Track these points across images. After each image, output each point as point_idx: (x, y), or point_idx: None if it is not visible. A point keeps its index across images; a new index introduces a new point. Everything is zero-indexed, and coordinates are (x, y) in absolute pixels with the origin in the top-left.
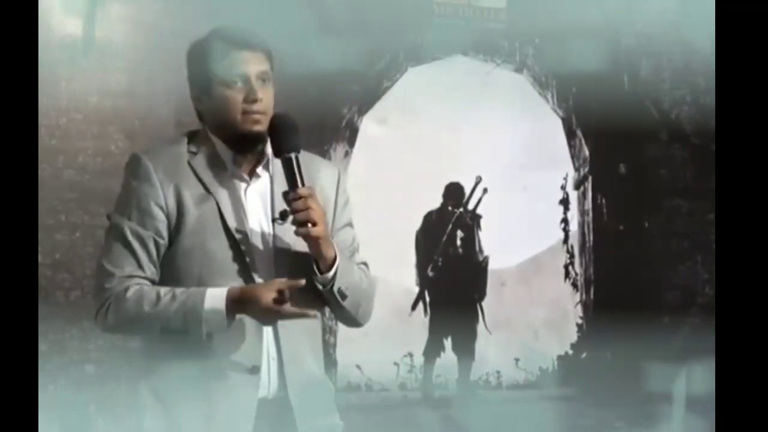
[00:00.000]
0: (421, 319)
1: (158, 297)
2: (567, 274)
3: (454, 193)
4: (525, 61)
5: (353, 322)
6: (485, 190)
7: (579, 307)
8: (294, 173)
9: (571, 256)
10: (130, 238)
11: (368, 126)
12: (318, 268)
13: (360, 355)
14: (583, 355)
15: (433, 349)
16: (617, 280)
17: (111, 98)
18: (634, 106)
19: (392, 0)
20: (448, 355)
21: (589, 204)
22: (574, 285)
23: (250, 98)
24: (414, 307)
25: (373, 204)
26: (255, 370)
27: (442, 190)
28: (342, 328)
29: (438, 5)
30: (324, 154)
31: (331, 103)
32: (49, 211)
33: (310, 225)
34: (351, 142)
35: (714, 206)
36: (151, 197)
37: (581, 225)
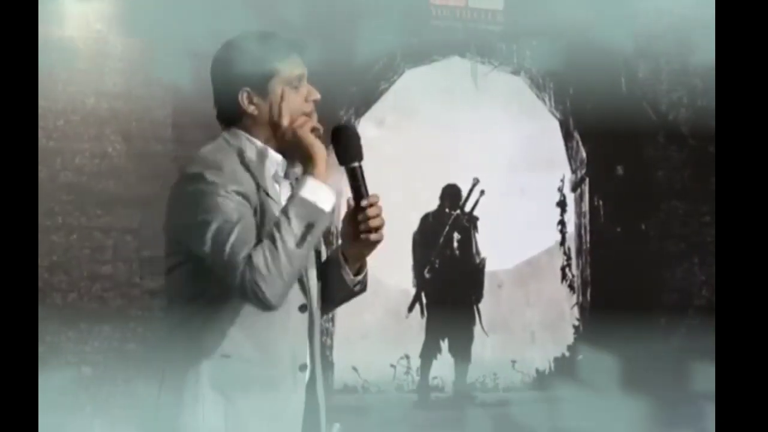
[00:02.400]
0: (417, 321)
1: (273, 237)
2: (564, 276)
3: (451, 195)
4: (522, 63)
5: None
6: (482, 192)
7: (576, 308)
8: (359, 182)
9: (568, 257)
10: (243, 224)
11: (365, 127)
12: (349, 268)
13: (357, 357)
14: (580, 356)
15: (429, 351)
16: (614, 282)
17: (107, 100)
18: (632, 108)
19: (389, 2)
20: (445, 357)
21: (586, 206)
22: (571, 287)
23: (311, 97)
24: (411, 308)
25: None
26: (303, 367)
27: (439, 192)
28: (339, 331)
29: (435, 7)
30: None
31: (329, 104)
32: (46, 213)
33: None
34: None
35: (712, 208)
36: (230, 190)
37: (578, 227)
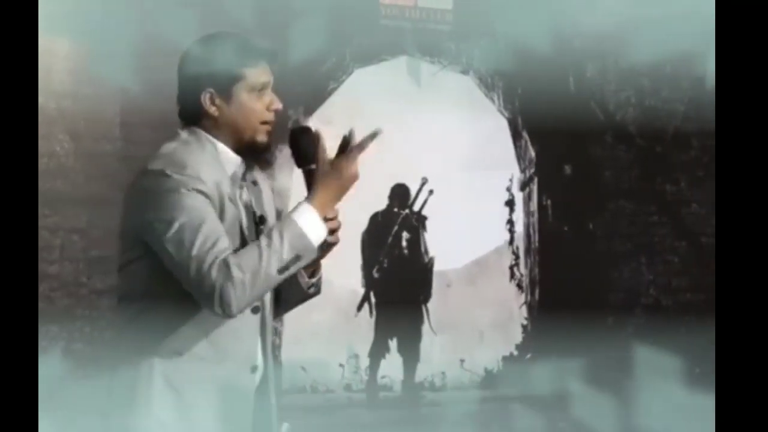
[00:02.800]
0: (366, 320)
1: (260, 252)
2: (512, 275)
3: (399, 194)
4: (471, 63)
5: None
6: (431, 192)
7: (524, 308)
8: None
9: (517, 257)
10: (208, 225)
11: (314, 127)
12: (303, 271)
13: (305, 357)
14: (528, 355)
15: (378, 351)
16: (562, 281)
17: (55, 99)
18: (580, 108)
19: (338, 1)
20: (394, 357)
21: (534, 205)
22: (520, 286)
23: (273, 107)
24: (359, 308)
25: None
26: (254, 369)
27: (388, 192)
28: (288, 330)
29: (384, 6)
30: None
31: None
32: None
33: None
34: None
35: (659, 207)
36: (195, 189)
37: (527, 226)
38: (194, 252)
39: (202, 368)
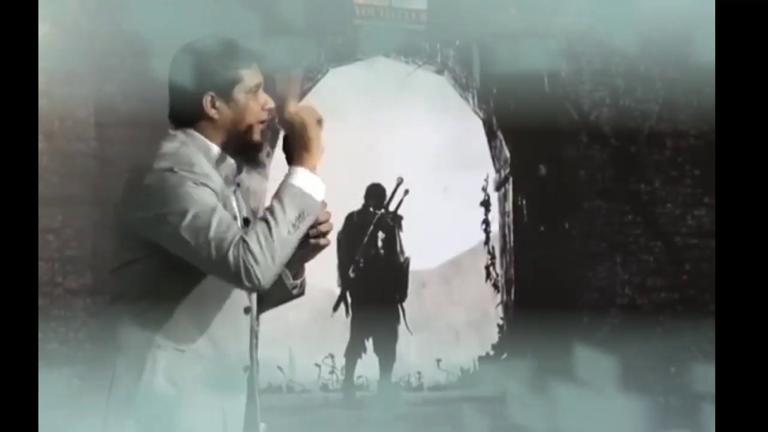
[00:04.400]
0: (342, 320)
1: (267, 221)
2: (488, 275)
3: (375, 194)
4: (446, 63)
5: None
6: (406, 192)
7: (500, 307)
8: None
9: (492, 257)
10: (219, 211)
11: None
12: (289, 272)
13: (282, 357)
14: (504, 355)
15: (354, 350)
16: (538, 281)
17: None
18: (554, 108)
19: (313, 1)
20: (370, 356)
21: (509, 205)
22: (495, 286)
23: (268, 106)
24: (335, 308)
25: None
26: (246, 369)
27: (363, 191)
28: (264, 330)
29: (359, 7)
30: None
31: None
32: None
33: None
34: (272, 142)
35: (633, 207)
36: (209, 183)
37: (502, 226)
38: (211, 234)
39: (202, 365)
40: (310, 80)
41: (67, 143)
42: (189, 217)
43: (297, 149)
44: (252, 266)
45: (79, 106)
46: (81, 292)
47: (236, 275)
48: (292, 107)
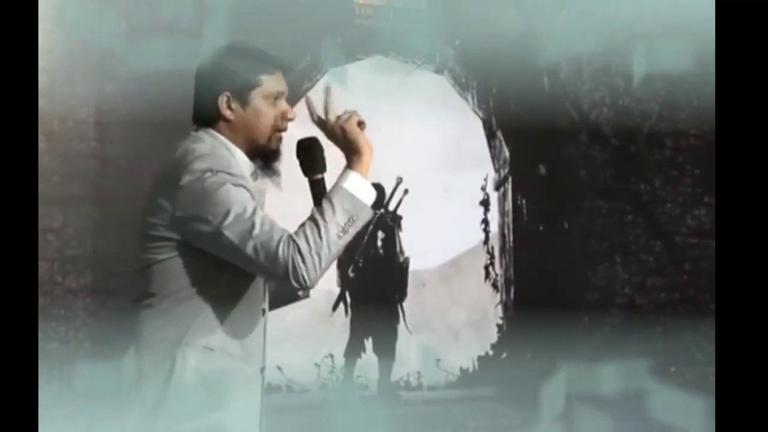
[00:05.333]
0: (342, 319)
1: (317, 222)
2: (487, 275)
3: None
4: (445, 62)
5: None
6: (406, 191)
7: (499, 307)
8: (323, 192)
9: (492, 256)
10: (255, 207)
11: (289, 127)
12: None
13: (281, 357)
14: (504, 355)
15: (353, 350)
16: (537, 281)
17: None
18: (554, 108)
19: (312, 0)
20: (369, 356)
21: (509, 205)
22: (495, 285)
23: (288, 116)
24: (335, 307)
25: (294, 205)
26: (263, 369)
27: None
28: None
29: (358, 6)
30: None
31: None
32: None
33: None
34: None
35: (634, 207)
36: (246, 184)
37: (501, 226)
38: (256, 232)
39: (231, 364)
40: (309, 80)
41: (67, 143)
42: (231, 217)
43: (349, 154)
44: (300, 266)
45: (79, 106)
46: (81, 291)
47: (284, 273)
48: (333, 115)
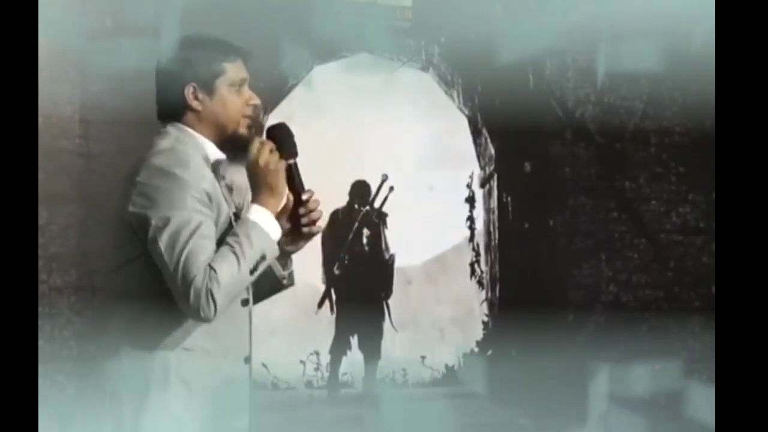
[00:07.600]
0: (327, 317)
1: (235, 255)
2: (473, 272)
3: (360, 191)
4: (431, 60)
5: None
6: (391, 189)
7: (485, 304)
8: (297, 178)
9: (477, 254)
10: (202, 229)
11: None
12: (280, 263)
13: (266, 354)
14: (489, 352)
15: (339, 347)
16: (522, 278)
17: None
18: (539, 105)
19: None
20: (355, 353)
21: (494, 202)
22: (480, 283)
23: (252, 102)
24: (320, 305)
25: None
26: (248, 359)
27: (348, 188)
28: None
29: (344, 3)
30: None
31: None
32: None
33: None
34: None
35: (618, 204)
36: (198, 189)
37: (487, 223)
38: (183, 256)
39: (209, 362)
40: (294, 77)
41: (52, 140)
42: (171, 227)
43: (262, 191)
44: (214, 296)
45: (64, 104)
46: (66, 289)
47: (195, 302)
48: (255, 146)
